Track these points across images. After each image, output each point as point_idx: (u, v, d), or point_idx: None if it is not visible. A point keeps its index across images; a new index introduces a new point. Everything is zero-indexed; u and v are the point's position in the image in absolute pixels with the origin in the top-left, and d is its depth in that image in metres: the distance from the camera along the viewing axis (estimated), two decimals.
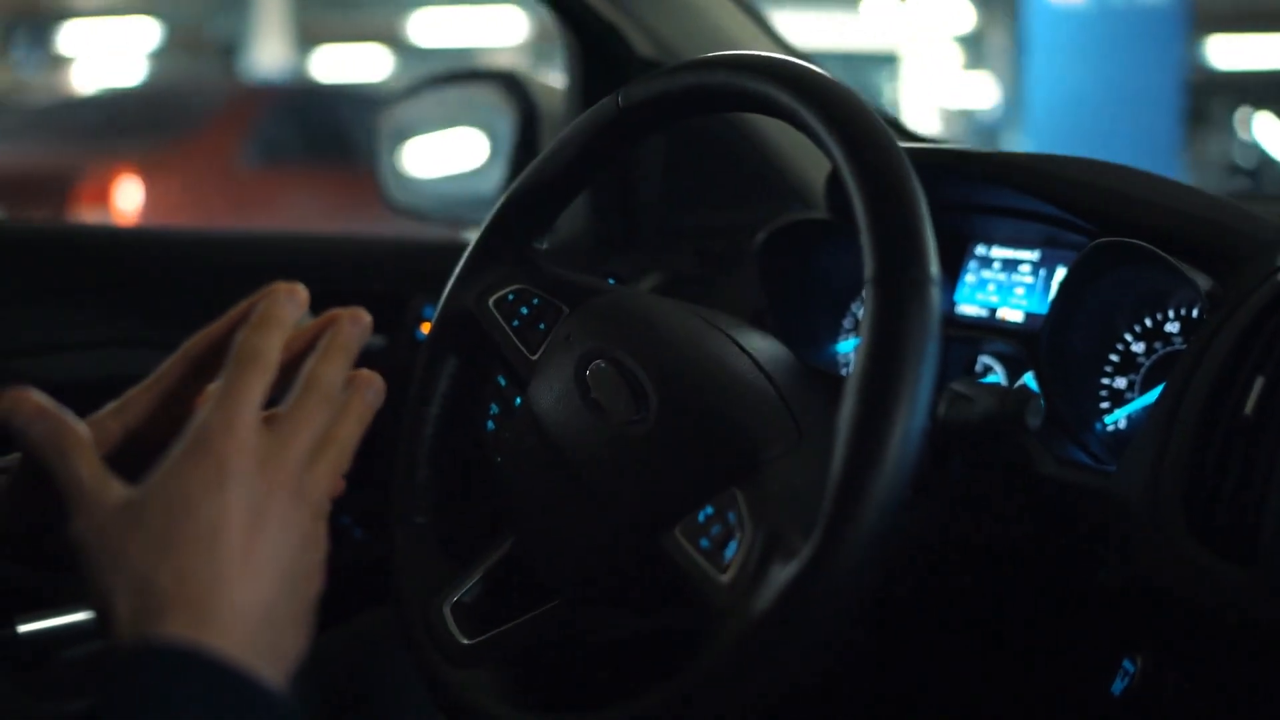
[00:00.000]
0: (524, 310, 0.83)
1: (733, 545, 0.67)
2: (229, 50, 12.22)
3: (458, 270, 0.87)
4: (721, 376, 0.74)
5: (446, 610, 0.81)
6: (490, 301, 0.84)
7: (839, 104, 0.69)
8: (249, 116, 6.33)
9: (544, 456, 0.77)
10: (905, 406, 0.60)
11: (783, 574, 0.62)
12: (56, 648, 1.13)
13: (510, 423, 0.82)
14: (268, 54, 11.86)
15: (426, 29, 15.08)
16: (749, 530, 0.67)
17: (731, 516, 0.68)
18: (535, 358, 0.81)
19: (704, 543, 0.68)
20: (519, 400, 0.82)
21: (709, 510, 0.69)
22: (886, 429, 0.59)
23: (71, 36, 14.73)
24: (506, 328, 0.83)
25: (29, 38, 14.09)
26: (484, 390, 0.87)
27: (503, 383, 0.86)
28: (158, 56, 15.21)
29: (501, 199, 0.86)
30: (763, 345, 0.78)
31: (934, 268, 0.63)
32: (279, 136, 6.37)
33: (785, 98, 0.70)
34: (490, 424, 0.85)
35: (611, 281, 0.86)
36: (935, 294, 0.63)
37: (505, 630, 0.79)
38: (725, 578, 0.66)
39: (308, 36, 14.11)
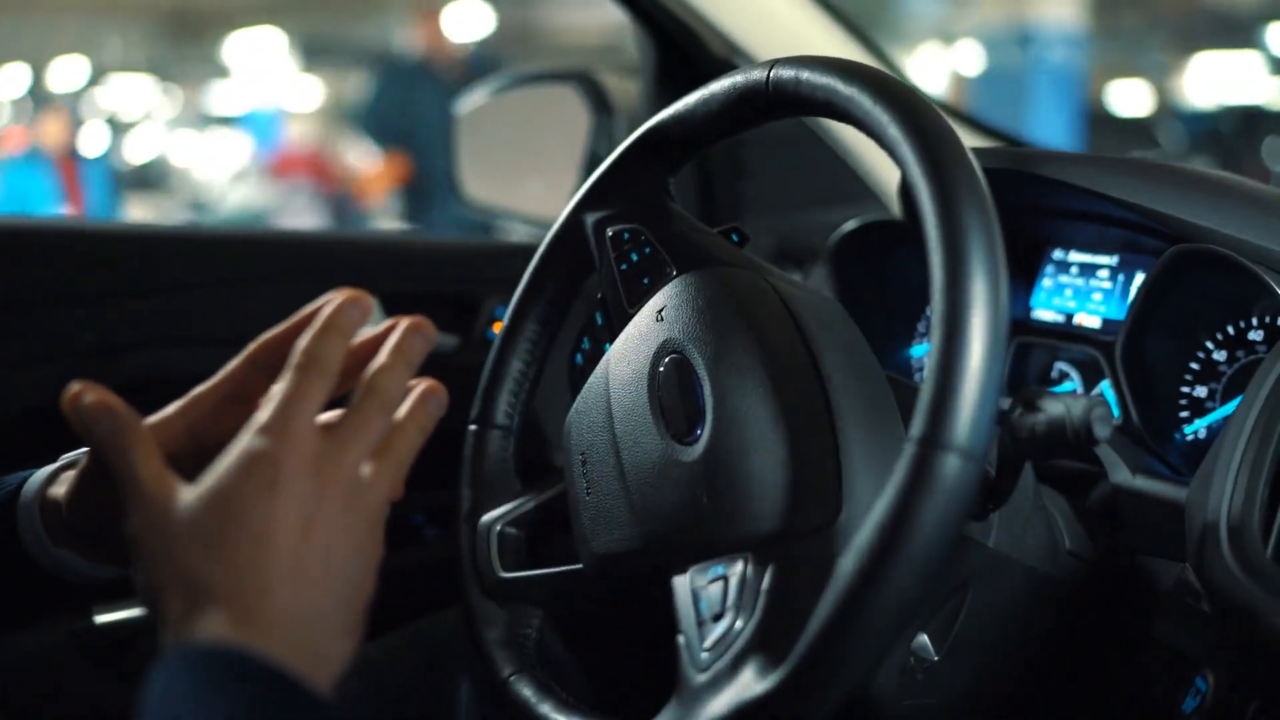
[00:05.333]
0: (634, 256, 0.82)
1: (721, 624, 0.65)
2: None
3: (587, 186, 0.85)
4: (782, 418, 0.69)
5: (495, 533, 0.83)
6: (609, 233, 0.83)
7: (909, 107, 0.66)
8: None
9: (605, 435, 0.78)
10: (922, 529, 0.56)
11: (748, 690, 0.60)
12: (135, 638, 1.15)
13: (591, 375, 0.82)
14: None
15: None
16: (741, 617, 0.65)
17: (733, 588, 0.66)
18: (631, 310, 0.80)
19: (703, 605, 0.67)
20: (607, 346, 0.82)
21: (718, 570, 0.68)
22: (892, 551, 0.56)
23: None
24: (615, 268, 0.82)
25: None
26: (578, 319, 0.87)
27: (598, 320, 0.86)
28: None
29: (640, 129, 0.84)
30: (850, 382, 0.71)
31: (1004, 289, 0.59)
32: None
33: (855, 102, 0.68)
34: (579, 358, 0.85)
35: (735, 238, 0.83)
36: (1002, 312, 0.59)
37: (532, 576, 0.81)
38: (704, 656, 0.65)
39: None
